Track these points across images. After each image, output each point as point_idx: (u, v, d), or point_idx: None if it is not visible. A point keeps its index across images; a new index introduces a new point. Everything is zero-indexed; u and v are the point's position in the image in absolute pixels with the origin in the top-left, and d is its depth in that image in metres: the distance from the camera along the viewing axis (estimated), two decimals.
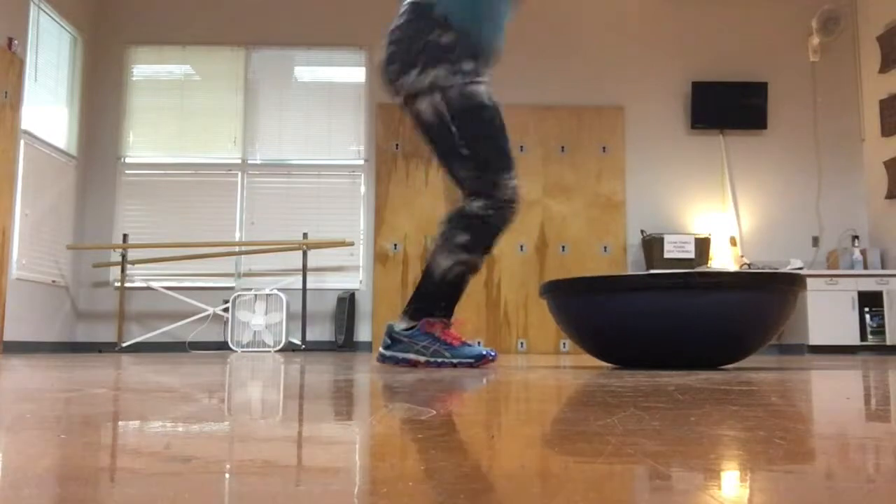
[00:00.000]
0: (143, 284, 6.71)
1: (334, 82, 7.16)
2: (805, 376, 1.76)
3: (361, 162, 7.03)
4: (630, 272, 6.80)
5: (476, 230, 2.29)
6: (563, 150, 6.97)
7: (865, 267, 6.57)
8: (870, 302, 6.24)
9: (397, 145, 6.94)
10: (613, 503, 0.39)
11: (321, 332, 6.77)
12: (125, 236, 6.66)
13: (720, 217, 6.98)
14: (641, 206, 6.96)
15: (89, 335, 6.77)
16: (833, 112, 7.14)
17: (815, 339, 6.16)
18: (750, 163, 7.09)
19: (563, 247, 6.86)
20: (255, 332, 6.29)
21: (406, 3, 2.43)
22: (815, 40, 7.02)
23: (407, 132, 6.85)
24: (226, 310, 6.40)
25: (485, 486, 0.43)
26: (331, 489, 0.43)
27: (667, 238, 6.48)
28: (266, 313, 6.32)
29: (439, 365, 2.30)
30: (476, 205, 2.29)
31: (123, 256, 6.54)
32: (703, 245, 6.56)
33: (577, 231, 6.87)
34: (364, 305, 6.81)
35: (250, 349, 6.23)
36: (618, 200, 6.94)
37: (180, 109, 7.11)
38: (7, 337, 5.70)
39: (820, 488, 0.43)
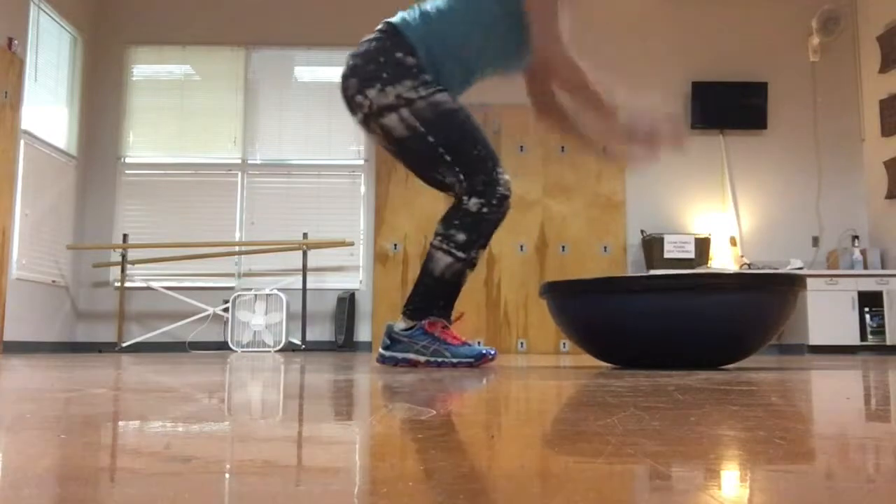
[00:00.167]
0: (143, 284, 6.71)
1: (334, 82, 7.16)
2: (805, 376, 1.76)
3: (361, 162, 7.03)
4: (630, 272, 6.80)
5: (474, 228, 2.30)
6: (563, 150, 6.97)
7: (865, 267, 6.57)
8: (870, 302, 6.24)
9: None
10: (613, 503, 0.39)
11: (321, 332, 6.77)
12: (125, 236, 6.66)
13: (720, 217, 6.98)
14: (641, 207, 6.96)
15: (89, 335, 6.78)
16: (833, 112, 7.14)
17: (815, 339, 6.16)
18: (750, 163, 7.09)
19: (563, 247, 6.86)
20: (255, 332, 6.29)
21: (382, 22, 2.46)
22: (815, 40, 7.02)
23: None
24: (226, 310, 6.41)
25: (485, 486, 0.43)
26: (331, 489, 0.43)
27: (667, 238, 6.48)
28: (266, 313, 6.32)
29: (439, 365, 2.30)
30: (473, 202, 2.30)
31: (123, 256, 6.54)
32: (703, 245, 6.55)
33: (577, 231, 6.87)
34: (364, 305, 6.81)
35: (250, 349, 6.23)
36: (618, 200, 6.94)
37: (180, 109, 7.11)
38: (7, 337, 5.70)
39: (820, 488, 0.43)
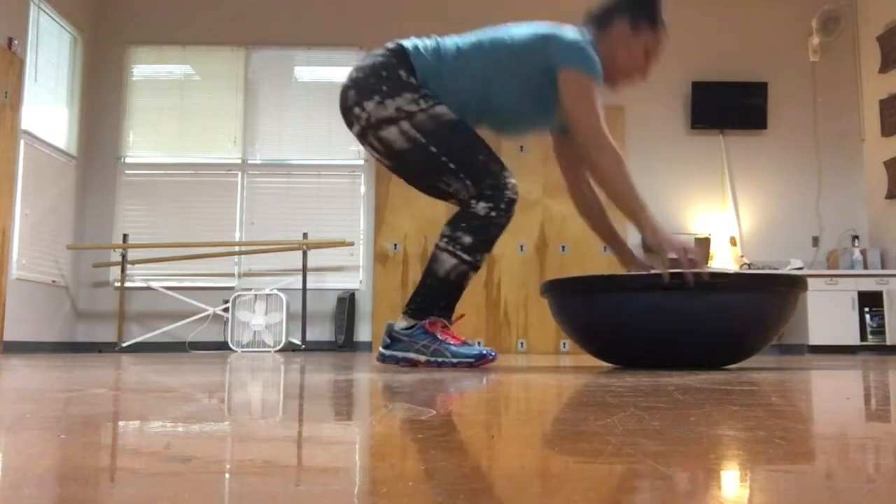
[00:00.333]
0: (143, 284, 6.71)
1: (334, 82, 7.16)
2: (805, 376, 1.76)
3: (361, 162, 7.03)
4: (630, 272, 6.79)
5: (481, 231, 2.29)
6: None
7: (865, 267, 6.57)
8: (870, 302, 6.24)
9: None
10: (613, 503, 0.39)
11: (321, 332, 6.77)
12: (125, 236, 6.66)
13: (720, 217, 6.98)
14: None
15: (89, 335, 6.78)
16: (833, 112, 7.15)
17: (815, 339, 6.16)
18: (750, 163, 7.09)
19: (563, 247, 6.86)
20: (255, 332, 6.29)
21: (394, 42, 2.44)
22: (815, 40, 7.02)
23: None
24: (226, 310, 6.41)
25: (485, 486, 0.43)
26: (331, 489, 0.43)
27: None
28: (266, 313, 6.32)
29: (439, 364, 2.30)
30: (481, 206, 2.29)
31: (123, 256, 6.54)
32: (703, 245, 6.55)
33: (577, 231, 6.87)
34: (364, 305, 6.81)
35: (250, 349, 6.23)
36: None
37: (180, 109, 7.11)
38: (7, 337, 5.70)
39: (820, 488, 0.43)
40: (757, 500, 0.40)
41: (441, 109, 2.33)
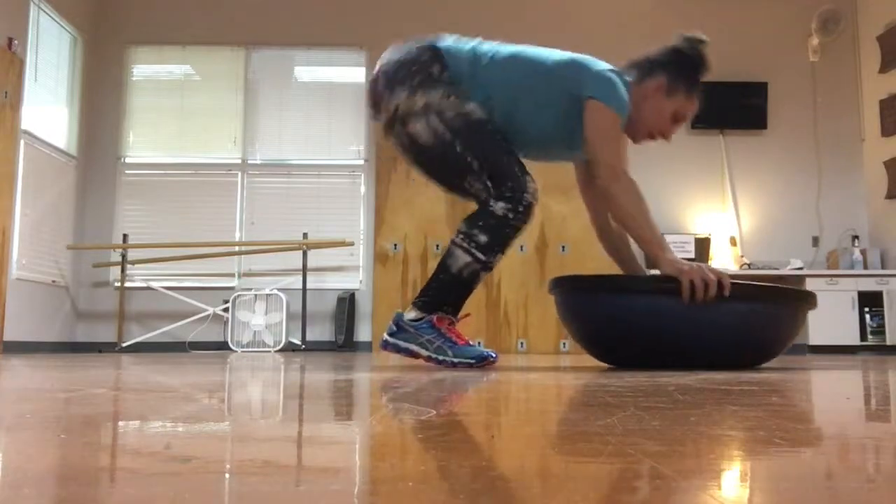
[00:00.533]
0: (143, 284, 6.71)
1: (334, 82, 7.16)
2: (805, 376, 1.76)
3: (361, 162, 7.03)
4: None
5: (497, 231, 2.28)
6: None
7: (865, 267, 6.57)
8: (870, 302, 6.24)
9: None
10: (613, 503, 0.39)
11: (321, 332, 6.77)
12: (125, 236, 6.66)
13: (720, 217, 6.98)
14: None
15: (89, 335, 6.78)
16: (833, 112, 7.14)
17: (815, 339, 6.16)
18: (750, 163, 7.09)
19: (563, 247, 6.86)
20: (255, 332, 6.29)
21: (427, 40, 2.40)
22: (815, 40, 7.02)
23: None
24: (226, 310, 6.41)
25: (485, 486, 0.43)
26: (331, 489, 0.43)
27: (666, 238, 6.48)
28: (266, 313, 6.32)
29: (439, 362, 2.30)
30: (500, 207, 2.27)
31: (123, 256, 6.54)
32: (703, 245, 6.55)
33: (577, 231, 6.87)
34: (364, 305, 6.81)
35: (250, 349, 6.23)
36: None
37: (180, 109, 7.11)
38: (7, 337, 5.70)
39: (820, 488, 0.43)
40: (757, 501, 0.40)
41: (471, 107, 2.31)
